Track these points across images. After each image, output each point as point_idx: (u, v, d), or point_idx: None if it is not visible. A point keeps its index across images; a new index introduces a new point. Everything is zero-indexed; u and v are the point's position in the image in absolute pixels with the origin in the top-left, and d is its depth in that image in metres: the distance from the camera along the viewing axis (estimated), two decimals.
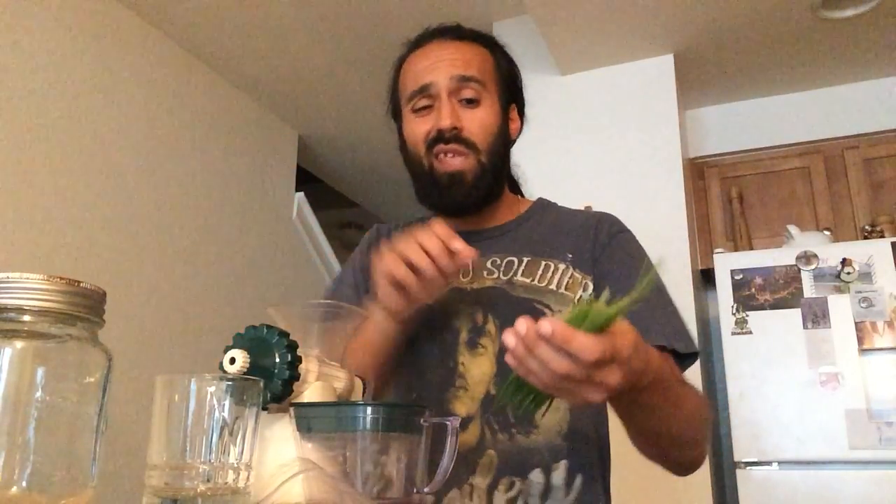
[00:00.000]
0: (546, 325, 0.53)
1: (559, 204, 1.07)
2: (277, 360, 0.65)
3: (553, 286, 0.92)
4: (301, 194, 3.64)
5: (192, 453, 0.55)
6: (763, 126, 3.12)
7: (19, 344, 0.51)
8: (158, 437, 0.56)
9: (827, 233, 2.66)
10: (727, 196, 2.94)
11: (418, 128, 0.95)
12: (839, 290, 2.33)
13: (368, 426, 0.64)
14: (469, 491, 0.85)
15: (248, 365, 0.63)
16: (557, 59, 2.68)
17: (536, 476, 0.85)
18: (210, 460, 0.55)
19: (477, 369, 0.90)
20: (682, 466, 0.83)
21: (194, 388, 0.56)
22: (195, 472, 0.54)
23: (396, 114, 1.03)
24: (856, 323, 2.28)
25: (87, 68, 2.49)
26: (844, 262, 2.33)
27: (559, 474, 0.85)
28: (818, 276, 2.36)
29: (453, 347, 0.92)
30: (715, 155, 3.06)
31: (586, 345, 0.53)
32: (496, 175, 0.95)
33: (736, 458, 2.32)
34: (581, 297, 0.91)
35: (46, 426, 0.51)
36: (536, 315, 0.83)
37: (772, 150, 2.98)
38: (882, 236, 2.54)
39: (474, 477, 0.85)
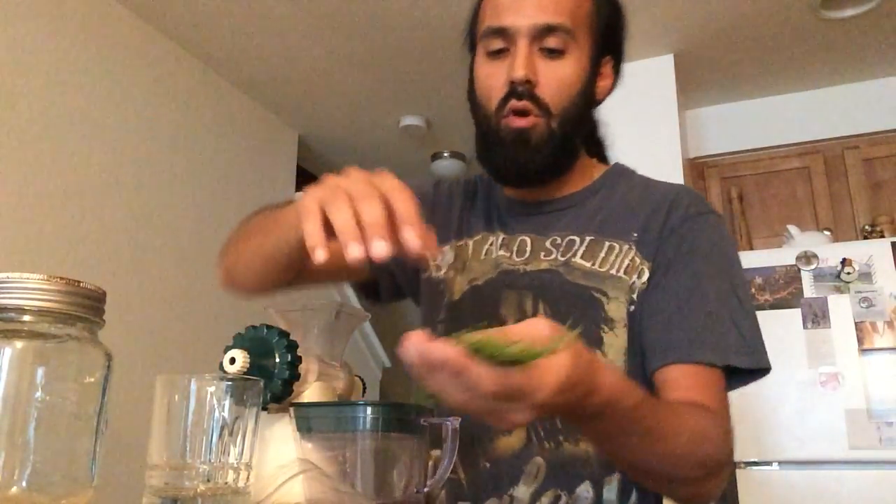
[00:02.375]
0: (438, 351, 0.45)
1: (639, 172, 0.93)
2: (277, 360, 0.65)
3: (614, 270, 0.80)
4: (301, 194, 3.64)
5: (192, 453, 0.55)
6: (763, 126, 3.12)
7: (19, 344, 0.51)
8: (158, 437, 0.56)
9: (827, 233, 2.66)
10: (727, 196, 2.94)
11: (491, 75, 0.81)
12: (839, 290, 2.33)
13: (368, 426, 0.64)
14: (508, 502, 0.77)
15: (248, 365, 0.63)
16: None
17: (585, 490, 0.76)
18: (210, 460, 0.55)
19: None
20: (680, 501, 0.73)
21: (194, 388, 0.56)
22: (195, 472, 0.54)
23: (472, 45, 0.88)
24: (856, 323, 2.28)
25: (87, 68, 2.49)
26: (844, 262, 2.33)
27: (612, 489, 0.76)
28: (818, 276, 2.36)
29: None
30: (715, 155, 3.06)
31: (482, 378, 0.45)
32: (567, 144, 0.82)
33: (736, 458, 2.31)
34: (634, 283, 0.80)
35: (46, 426, 0.51)
36: (591, 306, 0.79)
37: (772, 150, 2.98)
38: (882, 236, 2.54)
39: (517, 487, 0.77)
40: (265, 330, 0.67)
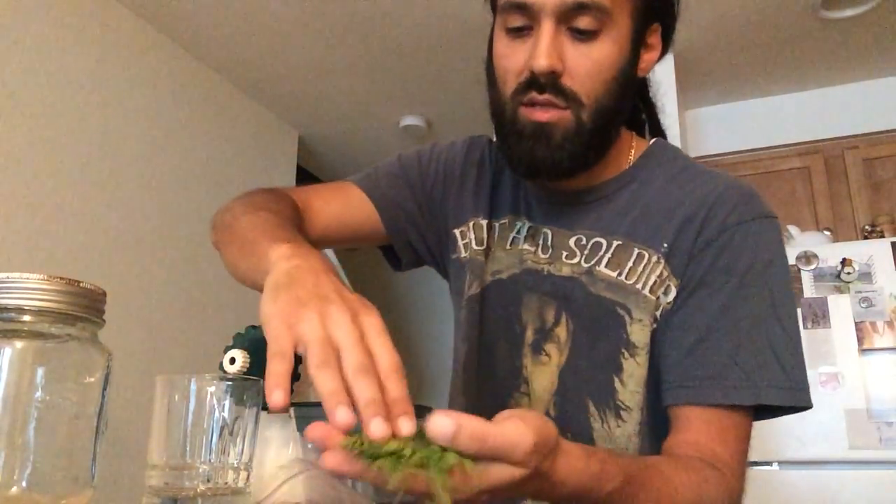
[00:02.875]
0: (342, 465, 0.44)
1: (681, 152, 0.81)
2: None
3: (640, 285, 0.71)
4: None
5: (192, 453, 0.55)
6: (763, 126, 3.12)
7: (19, 344, 0.51)
8: (158, 437, 0.56)
9: (827, 233, 2.66)
10: None
11: (510, 56, 0.71)
12: (839, 290, 2.33)
13: None
14: None
15: (248, 365, 0.63)
16: None
17: None
18: (210, 460, 0.55)
19: (539, 380, 0.75)
20: None
21: (194, 388, 0.56)
22: (195, 472, 0.54)
23: (494, 7, 0.78)
24: (856, 323, 2.28)
25: (87, 68, 2.49)
26: (844, 262, 2.33)
27: None
28: (818, 276, 2.36)
29: (519, 346, 0.76)
30: (715, 155, 3.06)
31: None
32: (599, 137, 0.71)
33: None
34: (660, 301, 0.71)
35: (46, 426, 0.51)
36: (613, 325, 0.71)
37: (772, 150, 2.98)
38: (882, 236, 2.54)
39: (526, 500, 0.68)
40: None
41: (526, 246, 0.79)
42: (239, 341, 0.67)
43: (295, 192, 0.85)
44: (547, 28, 0.68)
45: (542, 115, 0.70)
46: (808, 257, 2.39)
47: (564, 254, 0.76)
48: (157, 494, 0.54)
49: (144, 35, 2.75)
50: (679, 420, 0.68)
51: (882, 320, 2.26)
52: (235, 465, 0.56)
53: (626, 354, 0.72)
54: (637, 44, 0.73)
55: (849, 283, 2.32)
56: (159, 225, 2.72)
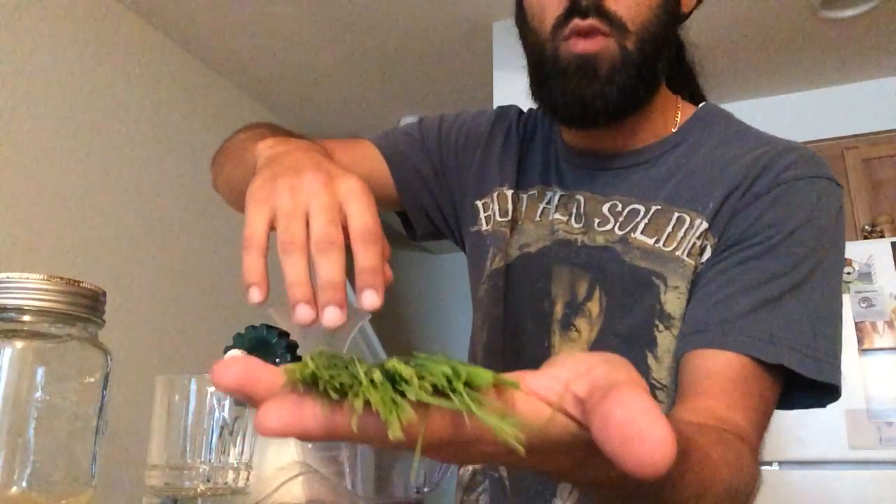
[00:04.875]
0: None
1: (734, 117, 0.75)
2: (277, 360, 0.65)
3: (679, 251, 0.64)
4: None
5: (192, 453, 0.55)
6: (763, 126, 3.11)
7: (19, 344, 0.51)
8: (158, 437, 0.56)
9: None
10: None
11: None
12: None
13: None
14: None
15: None
16: None
17: None
18: (210, 460, 0.55)
19: None
20: None
21: (194, 388, 0.56)
22: (195, 472, 0.54)
23: None
24: (856, 323, 2.28)
25: (87, 68, 2.49)
26: (844, 262, 2.33)
27: None
28: None
29: (547, 323, 0.70)
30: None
31: None
32: (648, 71, 0.65)
33: None
34: (698, 266, 0.64)
35: (46, 426, 0.51)
36: (647, 296, 0.63)
37: None
38: (882, 236, 2.54)
39: (556, 499, 0.67)
40: (265, 330, 0.67)
41: (557, 216, 0.73)
42: (239, 341, 0.67)
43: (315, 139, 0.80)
44: None
45: (586, 45, 0.63)
46: None
47: (597, 221, 0.70)
48: (157, 494, 0.54)
49: (144, 35, 2.75)
50: (694, 371, 0.59)
51: (882, 320, 2.26)
52: (235, 465, 0.56)
53: (661, 327, 0.65)
54: None
55: (849, 283, 2.32)
56: (159, 225, 2.72)
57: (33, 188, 2.24)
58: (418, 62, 3.04)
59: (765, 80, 3.03)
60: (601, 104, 0.64)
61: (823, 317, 0.61)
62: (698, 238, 0.64)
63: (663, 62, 0.68)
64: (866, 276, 2.31)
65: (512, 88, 2.75)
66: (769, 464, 2.28)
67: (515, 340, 0.73)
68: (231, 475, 0.56)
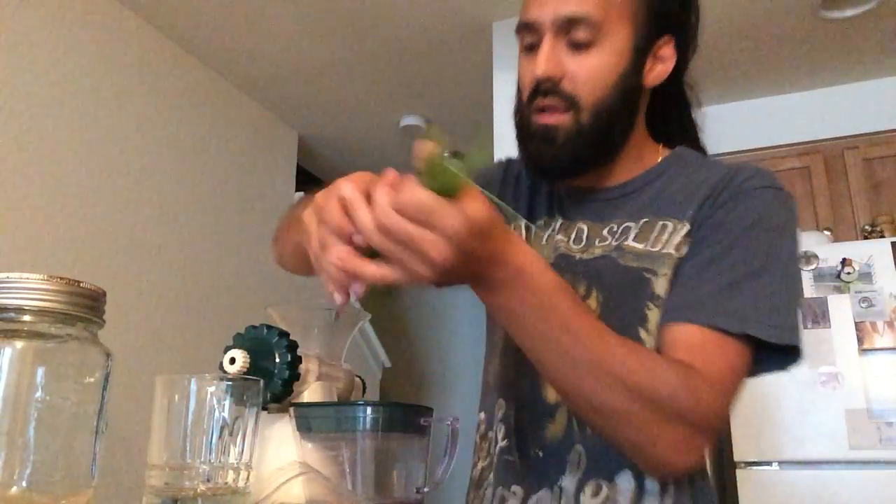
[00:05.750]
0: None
1: (708, 156, 0.87)
2: (277, 360, 0.65)
3: (666, 248, 0.76)
4: (301, 194, 3.65)
5: (192, 453, 0.55)
6: (763, 126, 3.12)
7: (19, 344, 0.51)
8: (158, 437, 0.56)
9: (827, 233, 2.66)
10: None
11: (524, 70, 0.81)
12: (839, 290, 2.33)
13: (368, 426, 0.64)
14: (558, 494, 0.74)
15: (248, 365, 0.63)
16: None
17: (625, 480, 0.73)
18: (210, 460, 0.55)
19: None
20: (630, 451, 0.66)
21: (194, 388, 0.56)
22: (195, 472, 0.54)
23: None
24: (856, 323, 2.28)
25: (87, 68, 2.49)
26: (844, 262, 2.33)
27: (653, 480, 0.73)
28: (818, 276, 2.36)
29: None
30: (715, 155, 3.05)
31: (403, 190, 0.51)
32: (602, 137, 0.77)
33: (736, 458, 2.32)
34: (679, 257, 0.76)
35: (46, 426, 0.51)
36: (641, 287, 0.75)
37: (772, 150, 2.98)
38: (882, 236, 2.54)
39: (563, 477, 0.75)
40: (265, 330, 0.67)
41: (559, 237, 0.85)
42: (239, 341, 0.67)
43: None
44: (546, 41, 0.77)
45: (546, 119, 0.77)
46: (807, 257, 2.39)
47: (597, 241, 0.82)
48: (157, 494, 0.54)
49: (145, 35, 2.75)
50: (665, 344, 0.70)
51: (882, 320, 2.26)
52: (235, 465, 0.56)
53: (651, 305, 0.76)
54: (640, 54, 0.78)
55: (849, 283, 2.32)
56: (159, 225, 2.72)
57: (33, 188, 2.24)
58: (418, 62, 3.05)
59: (765, 80, 3.03)
60: (555, 166, 0.79)
61: (780, 295, 0.71)
62: (681, 237, 0.77)
63: (621, 127, 0.80)
64: (866, 276, 2.31)
65: (512, 88, 2.74)
66: (769, 464, 2.28)
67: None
68: (231, 475, 0.56)
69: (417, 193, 0.52)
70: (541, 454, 0.77)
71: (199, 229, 2.93)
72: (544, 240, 0.86)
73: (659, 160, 0.85)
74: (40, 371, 0.51)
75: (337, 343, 0.77)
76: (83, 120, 2.45)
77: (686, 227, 0.76)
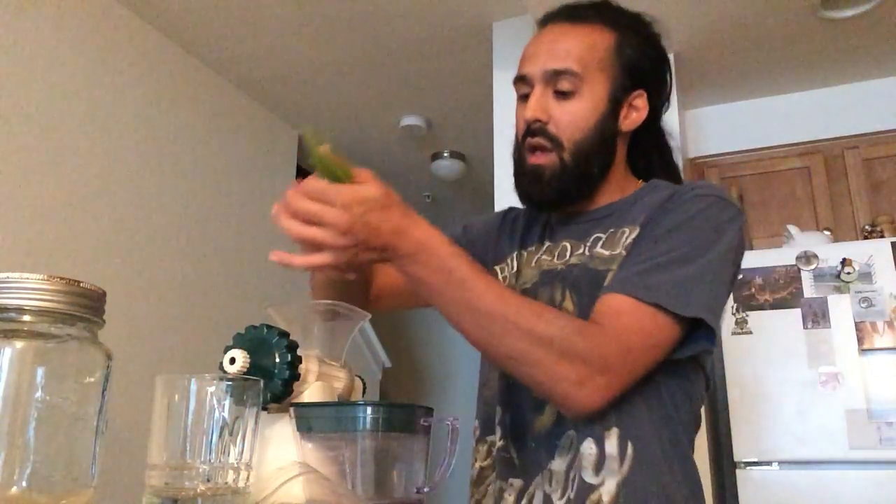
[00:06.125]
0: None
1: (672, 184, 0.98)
2: (277, 360, 0.65)
3: (620, 248, 0.88)
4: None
5: (192, 453, 0.55)
6: (763, 126, 3.12)
7: (19, 344, 0.51)
8: (158, 437, 0.56)
9: (827, 233, 2.66)
10: None
11: (518, 115, 0.95)
12: (839, 290, 2.33)
13: (368, 426, 0.64)
14: (549, 476, 0.84)
15: (248, 365, 0.63)
16: None
17: (588, 447, 0.83)
18: (210, 460, 0.55)
19: None
20: (539, 390, 0.79)
21: (194, 388, 0.56)
22: (195, 472, 0.54)
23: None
24: (856, 323, 2.28)
25: (87, 68, 2.49)
26: (844, 262, 2.33)
27: (612, 443, 0.82)
28: (818, 276, 2.36)
29: None
30: (715, 155, 3.06)
31: (308, 185, 0.68)
32: (582, 172, 0.91)
33: (736, 458, 2.32)
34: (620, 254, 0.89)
35: (46, 426, 0.51)
36: (603, 284, 0.86)
37: (772, 150, 2.98)
38: (882, 236, 2.54)
39: (553, 461, 0.84)
40: (265, 330, 0.67)
41: (544, 257, 0.97)
42: (239, 341, 0.67)
43: None
44: (536, 90, 0.91)
45: (536, 159, 0.91)
46: (808, 257, 2.39)
47: (577, 251, 0.94)
48: (157, 494, 0.54)
49: (144, 35, 2.75)
50: (594, 310, 0.81)
51: (882, 320, 2.26)
52: (235, 465, 0.56)
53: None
54: (616, 103, 0.92)
55: (849, 283, 2.32)
56: (159, 225, 2.72)
57: (33, 188, 2.24)
58: (418, 62, 3.05)
59: (765, 80, 3.03)
60: (543, 199, 0.93)
61: (696, 278, 0.81)
62: (632, 240, 0.88)
63: (599, 164, 0.93)
64: (866, 276, 2.31)
65: (512, 89, 2.75)
66: (769, 464, 2.28)
67: None
68: (231, 475, 0.56)
69: (314, 182, 0.68)
70: (533, 445, 0.86)
71: (199, 229, 2.93)
72: (533, 262, 0.98)
73: (634, 190, 0.98)
74: (40, 371, 0.51)
75: (337, 343, 0.77)
76: (83, 120, 2.45)
77: (637, 231, 0.88)
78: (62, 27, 2.40)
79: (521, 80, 0.94)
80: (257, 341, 0.66)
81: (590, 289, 0.86)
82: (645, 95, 0.94)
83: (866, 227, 2.69)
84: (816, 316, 2.33)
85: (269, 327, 0.67)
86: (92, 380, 0.54)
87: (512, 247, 1.04)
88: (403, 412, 0.67)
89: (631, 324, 0.78)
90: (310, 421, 0.66)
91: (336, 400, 0.73)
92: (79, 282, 0.53)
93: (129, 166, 2.62)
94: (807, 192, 2.86)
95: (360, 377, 0.80)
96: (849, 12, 2.53)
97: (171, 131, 2.84)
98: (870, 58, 2.86)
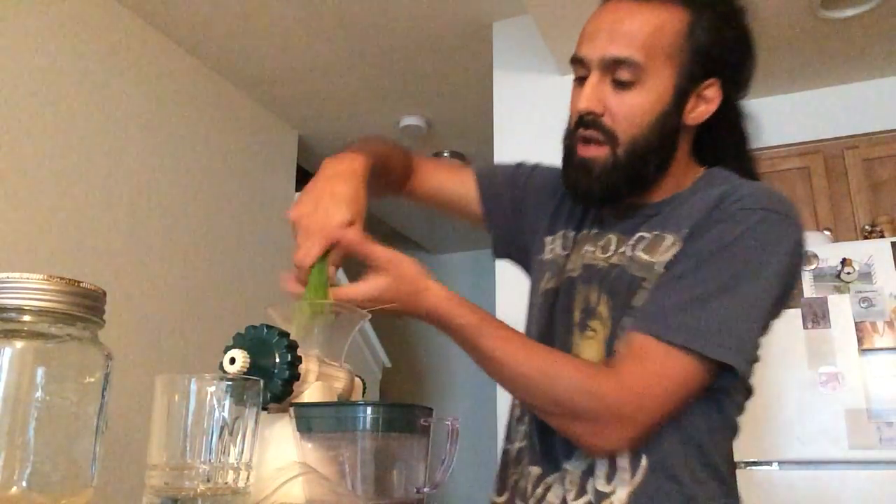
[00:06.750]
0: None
1: (735, 176, 0.88)
2: (277, 360, 0.65)
3: (660, 261, 0.82)
4: (301, 194, 3.64)
5: (192, 453, 0.55)
6: (763, 126, 3.11)
7: (19, 344, 0.51)
8: (158, 437, 0.56)
9: (827, 233, 2.66)
10: None
11: (573, 99, 0.86)
12: (839, 290, 2.32)
13: (368, 426, 0.64)
14: (563, 475, 0.82)
15: (248, 365, 0.63)
16: (557, 59, 2.68)
17: (602, 464, 0.80)
18: (210, 460, 0.55)
19: (587, 353, 0.84)
20: (565, 436, 0.80)
21: (194, 388, 0.56)
22: (195, 472, 0.54)
23: None
24: (856, 323, 2.28)
25: (87, 68, 2.49)
26: (844, 262, 2.33)
27: (623, 457, 0.79)
28: (818, 276, 2.36)
29: (570, 327, 0.88)
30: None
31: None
32: (635, 170, 0.83)
33: (736, 458, 2.31)
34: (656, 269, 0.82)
35: (46, 426, 0.51)
36: (640, 295, 0.82)
37: (772, 150, 2.97)
38: (882, 236, 2.54)
39: (570, 461, 0.82)
40: (265, 330, 0.67)
41: (589, 247, 0.92)
42: (239, 341, 0.67)
43: (413, 153, 1.06)
44: (592, 78, 0.82)
45: (586, 151, 0.84)
46: (807, 257, 2.39)
47: (619, 250, 0.88)
48: (157, 494, 0.54)
49: (144, 35, 2.75)
50: (621, 347, 0.79)
51: (882, 320, 2.26)
52: (235, 465, 0.56)
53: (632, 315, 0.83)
54: (682, 95, 0.82)
55: (849, 283, 2.32)
56: (159, 225, 2.72)
57: (33, 188, 2.24)
58: (418, 62, 3.05)
59: (765, 80, 3.03)
60: (590, 194, 0.86)
61: (735, 315, 0.75)
62: (673, 254, 0.81)
63: (654, 164, 0.85)
64: (866, 276, 2.31)
65: (512, 89, 2.75)
66: (769, 464, 2.28)
67: (550, 341, 0.89)
68: (231, 475, 0.56)
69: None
70: (555, 438, 0.83)
71: (199, 229, 2.93)
72: (582, 249, 0.93)
73: (689, 183, 0.89)
74: (40, 371, 0.51)
75: (337, 343, 0.77)
76: (83, 120, 2.45)
77: (679, 244, 0.81)
78: (62, 28, 2.40)
79: (577, 61, 0.84)
80: (257, 341, 0.66)
81: (624, 296, 0.83)
82: (718, 84, 0.84)
83: (866, 227, 2.69)
84: (816, 316, 2.33)
85: (269, 327, 0.67)
86: (92, 380, 0.54)
87: (568, 223, 0.98)
88: (403, 412, 0.67)
89: (654, 370, 0.74)
90: (310, 421, 0.66)
91: (336, 400, 0.73)
92: (79, 282, 0.53)
93: (129, 166, 2.62)
94: (807, 191, 2.86)
95: (360, 377, 0.80)
96: (849, 12, 2.52)
97: (172, 131, 2.84)
98: (870, 58, 2.86)
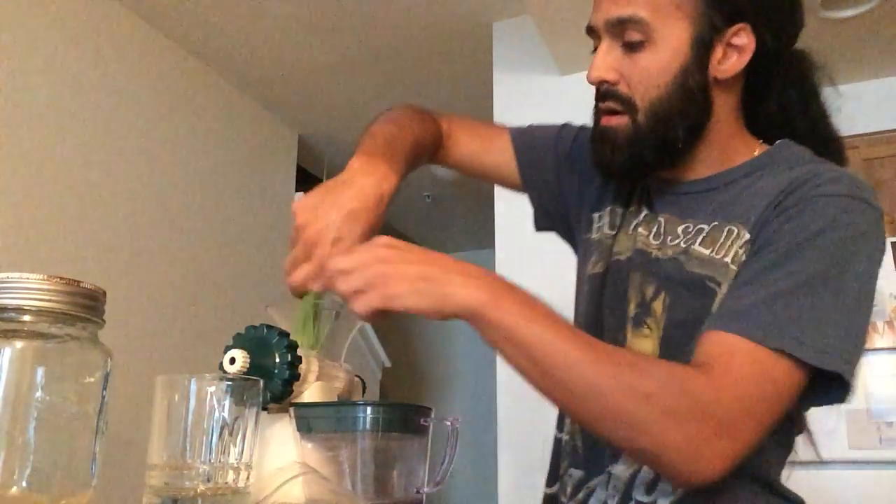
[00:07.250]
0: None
1: (808, 152, 0.81)
2: (277, 360, 0.65)
3: (728, 258, 0.73)
4: (301, 194, 3.65)
5: (192, 453, 0.55)
6: None
7: (19, 344, 0.51)
8: (158, 437, 0.56)
9: None
10: None
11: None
12: None
13: (368, 426, 0.64)
14: (606, 478, 0.76)
15: (248, 365, 0.63)
16: (557, 59, 2.68)
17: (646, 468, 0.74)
18: (210, 460, 0.55)
19: (639, 350, 0.78)
20: (633, 456, 0.71)
21: (194, 388, 0.56)
22: (195, 472, 0.54)
23: None
24: None
25: (87, 68, 2.49)
26: None
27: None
28: None
29: (623, 319, 0.80)
30: None
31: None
32: (660, 136, 0.76)
33: None
34: (738, 269, 0.72)
35: (46, 426, 0.51)
36: (704, 297, 0.73)
37: None
38: None
39: (616, 465, 0.75)
40: (265, 330, 0.67)
41: (641, 230, 0.84)
42: (239, 341, 0.67)
43: (444, 118, 0.99)
44: (603, 45, 0.77)
45: (608, 121, 0.78)
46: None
47: (670, 238, 0.80)
48: (157, 494, 0.54)
49: (144, 35, 2.75)
50: (697, 348, 0.66)
51: (882, 320, 2.26)
52: (235, 465, 0.56)
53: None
54: (704, 48, 0.75)
55: None
56: (159, 225, 2.72)
57: (33, 188, 2.24)
58: (418, 62, 3.05)
59: None
60: (615, 167, 0.79)
61: (831, 313, 0.65)
62: (741, 247, 0.73)
63: (683, 127, 0.77)
64: None
65: (512, 89, 2.75)
66: None
67: (598, 332, 0.82)
68: (231, 475, 0.56)
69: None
70: (599, 442, 0.78)
71: (199, 229, 2.93)
72: (630, 229, 0.85)
73: (751, 157, 0.80)
74: (40, 371, 0.51)
75: (337, 343, 0.77)
76: (82, 119, 2.45)
77: (746, 236, 0.73)
78: (62, 27, 2.40)
79: (589, 31, 0.79)
80: (257, 341, 0.66)
81: (685, 295, 0.75)
82: (748, 29, 0.75)
83: None
84: None
85: (269, 327, 0.67)
86: (92, 380, 0.54)
87: (617, 199, 0.90)
88: (403, 412, 0.67)
89: (749, 370, 0.63)
90: (310, 421, 0.66)
91: (336, 400, 0.73)
92: (79, 282, 0.53)
93: (129, 166, 2.62)
94: None
95: (360, 377, 0.80)
96: (849, 12, 2.52)
97: (171, 131, 2.84)
98: (870, 58, 2.86)
